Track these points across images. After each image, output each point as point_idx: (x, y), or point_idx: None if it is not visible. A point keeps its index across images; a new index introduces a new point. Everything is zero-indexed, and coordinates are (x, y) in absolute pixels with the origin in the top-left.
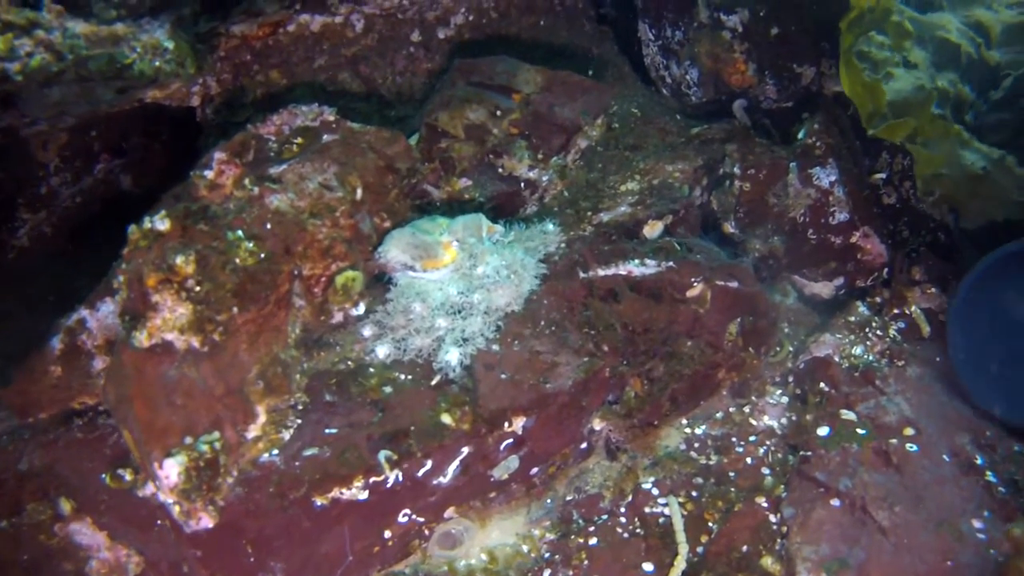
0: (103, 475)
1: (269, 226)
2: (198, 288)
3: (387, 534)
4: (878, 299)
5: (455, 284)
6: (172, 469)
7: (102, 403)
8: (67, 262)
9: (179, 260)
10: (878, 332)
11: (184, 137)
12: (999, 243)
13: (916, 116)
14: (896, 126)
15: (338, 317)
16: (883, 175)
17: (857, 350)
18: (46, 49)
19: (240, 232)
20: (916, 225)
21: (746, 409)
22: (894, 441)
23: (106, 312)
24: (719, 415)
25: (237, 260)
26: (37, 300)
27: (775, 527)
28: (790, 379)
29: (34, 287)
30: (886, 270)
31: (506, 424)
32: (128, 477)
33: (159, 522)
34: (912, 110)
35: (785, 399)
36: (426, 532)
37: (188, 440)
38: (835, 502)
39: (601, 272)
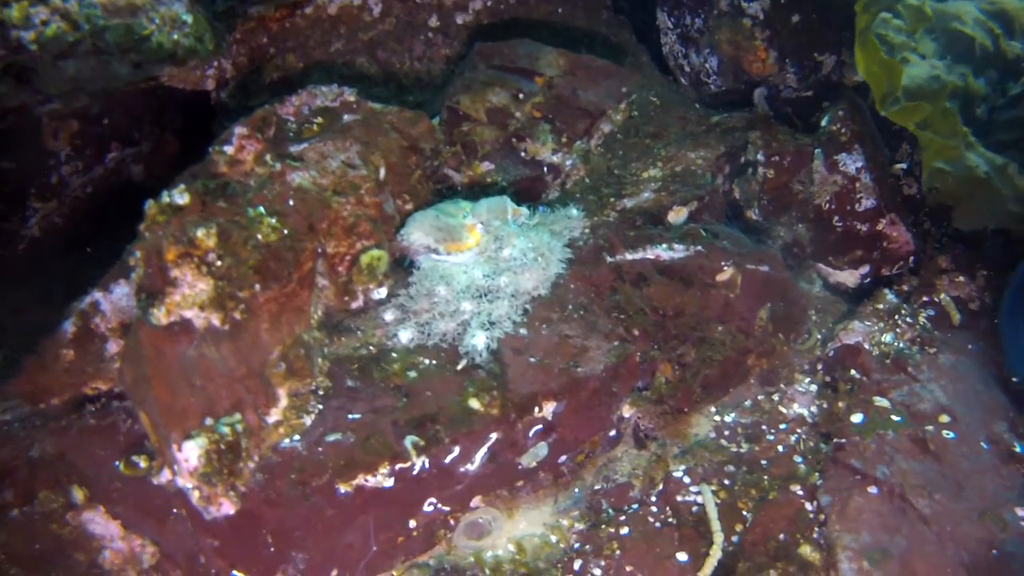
0: (117, 462)
1: (292, 203)
2: (219, 263)
3: (412, 524)
4: (905, 287)
5: (480, 267)
6: (192, 452)
7: (116, 387)
8: (78, 253)
9: (200, 233)
10: (908, 320)
11: (197, 127)
12: (987, 248)
13: (929, 107)
14: (911, 109)
15: (359, 302)
16: (904, 165)
17: (887, 337)
18: (62, 18)
19: (261, 208)
20: (938, 215)
21: (775, 397)
22: (930, 428)
23: (120, 294)
24: (748, 403)
25: (259, 236)
26: (48, 292)
27: (812, 515)
28: (819, 367)
29: (45, 279)
30: (912, 259)
31: (536, 409)
32: (143, 464)
33: (175, 511)
34: (926, 99)
35: (814, 387)
36: (451, 522)
37: (209, 422)
38: (873, 490)
39: (629, 256)
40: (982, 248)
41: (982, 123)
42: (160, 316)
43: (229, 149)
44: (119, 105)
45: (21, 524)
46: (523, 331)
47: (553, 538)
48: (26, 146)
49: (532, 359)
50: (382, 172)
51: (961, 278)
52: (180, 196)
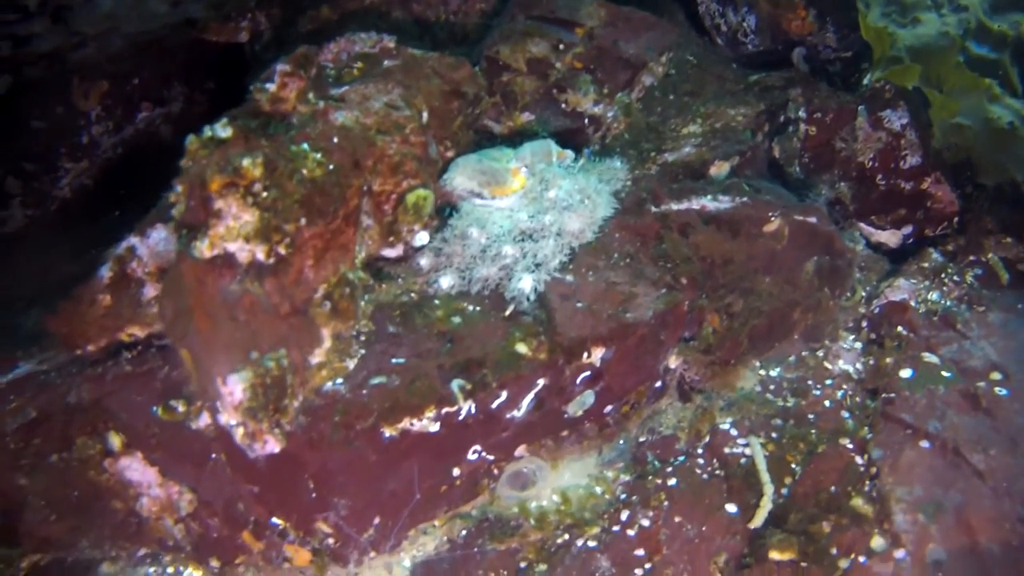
0: (155, 408)
1: (336, 140)
2: (265, 194)
3: (456, 472)
4: (951, 247)
5: (525, 210)
6: (237, 385)
7: (154, 332)
8: (107, 215)
9: (246, 162)
10: (955, 278)
11: (228, 88)
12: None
13: (938, 63)
14: (903, 71)
15: (401, 247)
16: None
17: (934, 295)
18: None
19: (306, 145)
20: None
21: (819, 353)
22: (982, 385)
23: (157, 239)
24: (792, 359)
25: (304, 171)
26: (78, 253)
27: (862, 468)
28: (864, 324)
29: (75, 240)
30: (956, 219)
31: (584, 355)
32: (181, 408)
33: (213, 456)
34: (932, 57)
35: (859, 345)
36: (495, 471)
37: (255, 355)
38: (925, 444)
39: (674, 207)
40: None
41: None
42: (203, 248)
43: (271, 87)
44: (149, 64)
45: (59, 470)
46: (569, 278)
47: (598, 489)
48: (56, 105)
49: (579, 304)
50: (424, 115)
51: (1008, 239)
52: (223, 130)
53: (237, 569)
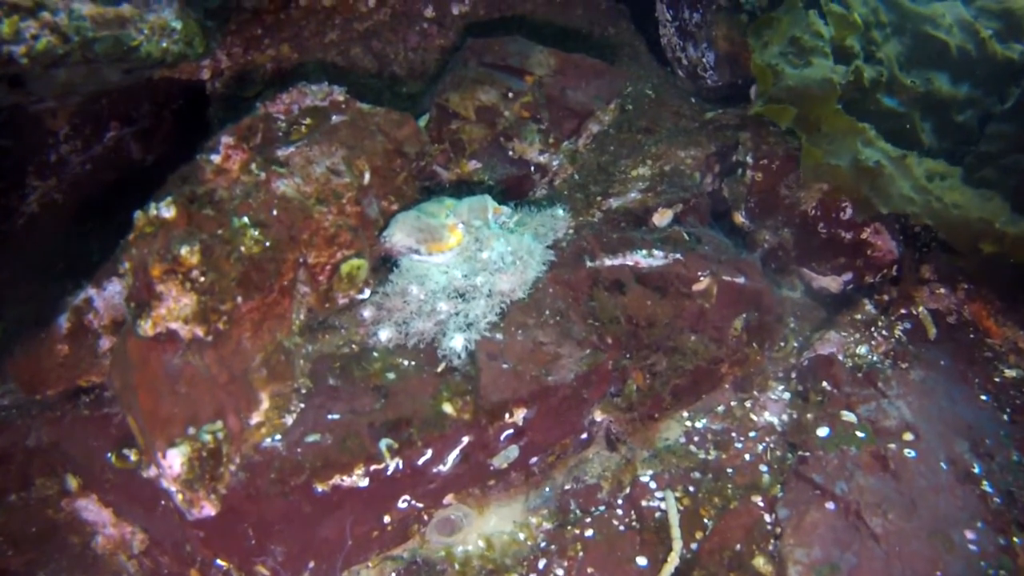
0: (109, 454)
1: (275, 212)
2: (202, 279)
3: (386, 519)
4: (886, 297)
5: (459, 268)
6: (175, 459)
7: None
8: (76, 229)
9: (184, 251)
10: (883, 332)
11: (195, 105)
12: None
13: (819, 106)
14: (780, 111)
15: (343, 301)
16: None
17: (862, 349)
18: (51, 32)
19: (246, 218)
20: None
21: (747, 404)
22: (892, 446)
23: (112, 292)
24: (720, 409)
25: (242, 248)
26: (46, 267)
27: (769, 527)
28: (793, 375)
29: (43, 254)
30: (895, 267)
31: (507, 415)
32: (133, 458)
33: (163, 503)
34: (812, 100)
35: (787, 395)
36: (425, 517)
37: (191, 430)
38: (830, 505)
39: (608, 262)
40: (965, 259)
41: (968, 129)
42: (147, 328)
43: (216, 158)
44: (118, 86)
45: (18, 508)
46: (499, 335)
47: (521, 536)
48: (26, 126)
49: (505, 365)
50: (367, 176)
51: (942, 289)
52: (167, 209)
53: None
